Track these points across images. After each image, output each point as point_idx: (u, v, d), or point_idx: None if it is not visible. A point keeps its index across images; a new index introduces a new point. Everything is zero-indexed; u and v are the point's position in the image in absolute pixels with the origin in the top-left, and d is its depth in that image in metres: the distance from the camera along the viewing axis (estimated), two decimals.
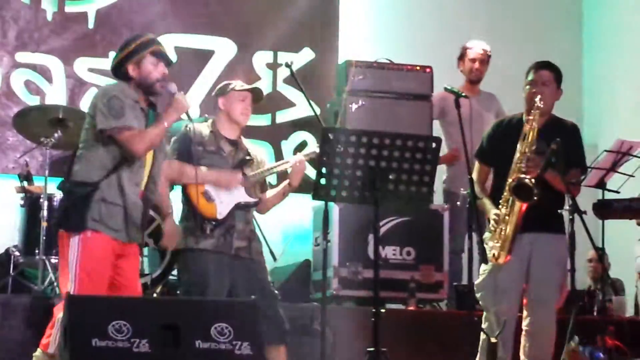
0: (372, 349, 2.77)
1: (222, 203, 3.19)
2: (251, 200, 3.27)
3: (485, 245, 3.08)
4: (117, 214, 2.70)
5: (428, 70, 4.41)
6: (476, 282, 3.28)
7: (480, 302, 3.21)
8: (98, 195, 2.67)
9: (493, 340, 2.95)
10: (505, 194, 2.97)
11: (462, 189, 4.08)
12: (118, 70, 2.73)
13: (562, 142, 2.97)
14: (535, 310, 3.13)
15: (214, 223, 3.17)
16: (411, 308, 4.01)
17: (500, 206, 3.04)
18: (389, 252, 4.06)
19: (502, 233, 3.01)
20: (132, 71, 2.66)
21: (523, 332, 3.13)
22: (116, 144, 2.64)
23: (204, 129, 3.24)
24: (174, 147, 3.24)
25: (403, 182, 2.85)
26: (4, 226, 4.10)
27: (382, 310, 2.91)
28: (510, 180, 2.93)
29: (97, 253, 2.69)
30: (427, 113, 4.36)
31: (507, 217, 3.01)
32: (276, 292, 3.38)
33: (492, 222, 3.07)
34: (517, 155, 2.97)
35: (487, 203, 3.15)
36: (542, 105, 3.01)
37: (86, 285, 2.68)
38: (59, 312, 2.69)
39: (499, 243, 3.01)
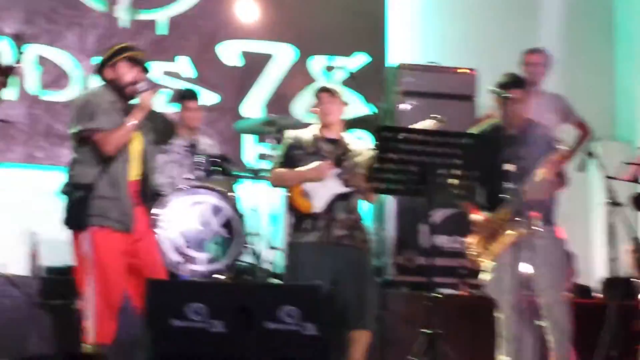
0: (427, 330, 2.94)
1: (318, 197, 3.33)
2: (346, 190, 3.36)
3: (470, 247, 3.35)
4: (114, 207, 2.87)
5: (472, 72, 4.73)
6: (485, 280, 3.45)
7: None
8: (95, 194, 2.85)
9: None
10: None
11: None
12: (99, 73, 2.98)
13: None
14: (545, 295, 3.28)
15: (312, 218, 3.33)
16: (463, 293, 4.27)
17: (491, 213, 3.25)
18: (442, 240, 4.34)
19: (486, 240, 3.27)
20: (108, 74, 2.91)
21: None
22: (91, 144, 2.84)
23: (305, 134, 3.45)
24: (276, 157, 3.52)
25: (450, 177, 3.03)
26: None
27: (438, 295, 3.11)
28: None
29: (105, 247, 2.86)
30: (472, 113, 4.64)
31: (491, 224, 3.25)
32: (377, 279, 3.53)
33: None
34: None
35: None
36: None
37: (101, 279, 2.86)
38: (81, 306, 2.94)
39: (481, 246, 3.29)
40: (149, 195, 3.17)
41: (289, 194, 3.34)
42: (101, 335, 2.85)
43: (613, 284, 4.29)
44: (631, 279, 4.65)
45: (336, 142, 3.38)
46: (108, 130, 2.81)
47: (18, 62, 3.01)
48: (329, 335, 3.03)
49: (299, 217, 3.34)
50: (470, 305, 4.23)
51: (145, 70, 2.99)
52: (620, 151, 4.60)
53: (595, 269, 5.11)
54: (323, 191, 3.30)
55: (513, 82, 3.34)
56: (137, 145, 2.92)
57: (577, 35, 5.74)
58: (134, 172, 2.91)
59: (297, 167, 3.29)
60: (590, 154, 3.60)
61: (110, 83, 2.92)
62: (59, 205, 2.98)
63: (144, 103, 2.90)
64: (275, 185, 3.50)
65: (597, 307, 4.27)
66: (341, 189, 3.31)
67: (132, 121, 2.85)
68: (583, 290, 4.73)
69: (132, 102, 2.91)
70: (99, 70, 2.97)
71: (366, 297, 3.36)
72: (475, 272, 4.24)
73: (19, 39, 3.34)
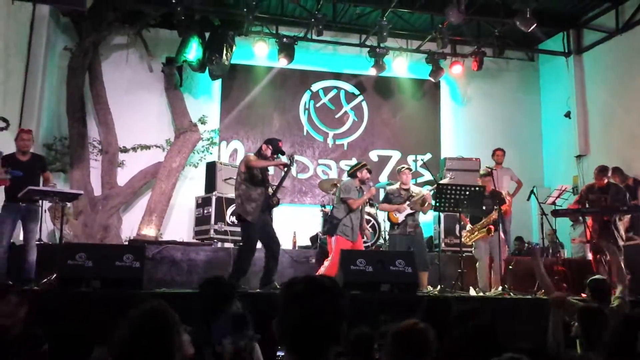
0: (460, 270, 7.29)
1: (399, 215, 7.33)
2: (411, 212, 7.28)
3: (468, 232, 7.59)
4: (348, 230, 6.75)
5: (477, 159, 10.30)
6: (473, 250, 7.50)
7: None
8: (342, 222, 6.74)
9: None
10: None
11: None
12: (353, 174, 7.23)
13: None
14: (494, 256, 7.16)
15: (398, 224, 7.31)
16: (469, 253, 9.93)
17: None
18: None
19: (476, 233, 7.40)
20: (358, 174, 7.15)
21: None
22: (347, 203, 7.46)
23: (395, 186, 7.57)
24: (382, 198, 7.74)
25: (468, 204, 7.22)
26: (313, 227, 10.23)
27: (463, 255, 7.64)
28: None
29: (342, 245, 6.66)
30: (475, 178, 10.20)
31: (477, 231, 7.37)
32: (427, 246, 7.77)
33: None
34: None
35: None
36: None
37: (336, 258, 6.32)
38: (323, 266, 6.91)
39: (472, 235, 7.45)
40: None
41: (389, 215, 7.55)
42: (330, 273, 6.49)
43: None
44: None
45: (408, 190, 7.50)
46: (354, 199, 7.52)
47: (290, 162, 6.72)
48: (415, 273, 6.39)
49: (392, 224, 7.46)
50: (470, 259, 7.80)
51: (370, 172, 7.70)
52: (545, 191, 9.97)
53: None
54: (402, 215, 7.39)
55: (487, 173, 7.98)
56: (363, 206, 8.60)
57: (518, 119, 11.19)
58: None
59: (392, 203, 7.41)
60: (531, 193, 8.25)
61: (358, 179, 7.21)
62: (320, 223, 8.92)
63: (371, 191, 7.50)
64: (382, 210, 7.89)
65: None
66: (408, 212, 7.38)
67: (366, 196, 7.61)
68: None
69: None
70: (353, 173, 7.33)
71: (424, 257, 7.07)
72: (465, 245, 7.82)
73: (290, 154, 7.10)
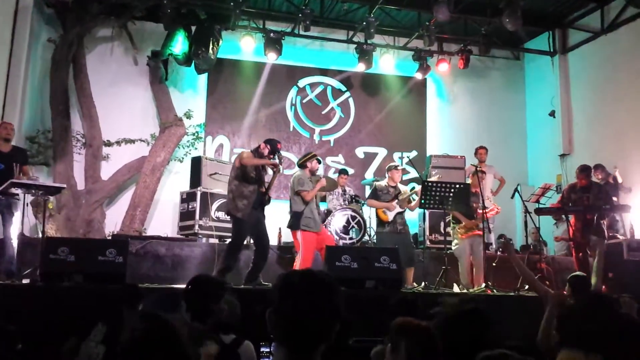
0: (444, 267, 7.07)
1: (389, 214, 7.29)
2: (400, 210, 7.32)
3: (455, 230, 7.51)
4: (311, 221, 6.63)
5: (462, 157, 10.37)
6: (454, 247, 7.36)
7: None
8: (303, 215, 6.58)
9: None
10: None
11: None
12: (302, 165, 7.11)
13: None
14: (475, 253, 7.15)
15: (388, 222, 7.28)
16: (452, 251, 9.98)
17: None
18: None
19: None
20: (308, 164, 7.02)
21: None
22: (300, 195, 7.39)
23: (383, 182, 7.59)
24: (370, 194, 7.74)
25: (453, 201, 7.25)
26: None
27: (447, 251, 7.56)
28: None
29: (306, 238, 6.73)
30: (462, 175, 10.18)
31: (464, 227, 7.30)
32: (413, 243, 8.00)
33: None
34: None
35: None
36: None
37: (306, 253, 6.52)
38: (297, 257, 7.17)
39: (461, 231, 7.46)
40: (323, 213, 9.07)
41: (377, 212, 7.52)
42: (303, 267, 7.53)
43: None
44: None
45: (395, 187, 7.58)
46: (308, 190, 7.54)
47: (280, 159, 6.84)
48: (400, 269, 6.38)
49: (381, 222, 7.46)
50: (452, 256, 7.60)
51: (319, 162, 7.90)
52: (529, 189, 10.02)
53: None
54: (391, 212, 7.38)
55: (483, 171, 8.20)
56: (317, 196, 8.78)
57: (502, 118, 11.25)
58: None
59: (380, 200, 7.42)
60: (515, 190, 8.16)
61: (308, 169, 7.57)
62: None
63: (320, 182, 7.58)
64: (370, 206, 7.90)
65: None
66: (398, 210, 7.41)
67: (317, 187, 7.71)
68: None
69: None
70: (303, 163, 7.64)
71: (411, 254, 7.30)
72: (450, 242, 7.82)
73: (278, 155, 6.93)
